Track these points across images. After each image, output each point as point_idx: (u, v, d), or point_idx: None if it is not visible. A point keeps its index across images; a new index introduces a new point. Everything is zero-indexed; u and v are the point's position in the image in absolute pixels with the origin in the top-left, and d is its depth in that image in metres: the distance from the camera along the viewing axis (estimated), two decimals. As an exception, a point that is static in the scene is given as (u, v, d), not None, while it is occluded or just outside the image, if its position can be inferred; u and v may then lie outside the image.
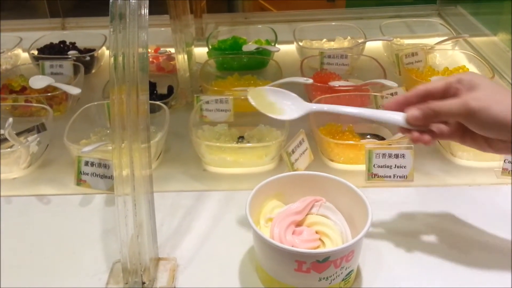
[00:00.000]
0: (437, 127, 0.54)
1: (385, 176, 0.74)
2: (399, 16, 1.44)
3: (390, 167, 0.74)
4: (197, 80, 1.04)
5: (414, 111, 0.54)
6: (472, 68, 1.08)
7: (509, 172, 0.75)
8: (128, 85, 0.52)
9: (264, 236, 0.52)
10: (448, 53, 1.16)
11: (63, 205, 0.74)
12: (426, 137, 0.54)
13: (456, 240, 0.64)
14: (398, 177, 0.74)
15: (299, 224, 0.58)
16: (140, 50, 0.53)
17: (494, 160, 0.77)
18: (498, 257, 0.61)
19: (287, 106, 0.61)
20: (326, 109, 0.60)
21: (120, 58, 0.52)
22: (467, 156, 0.80)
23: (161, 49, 1.21)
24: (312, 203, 0.59)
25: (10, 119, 0.75)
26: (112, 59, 0.52)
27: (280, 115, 0.61)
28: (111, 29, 0.52)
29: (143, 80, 0.53)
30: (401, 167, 0.73)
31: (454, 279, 0.59)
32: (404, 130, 0.56)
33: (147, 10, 0.54)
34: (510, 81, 1.07)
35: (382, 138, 0.87)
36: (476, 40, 1.25)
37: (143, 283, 0.57)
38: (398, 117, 0.55)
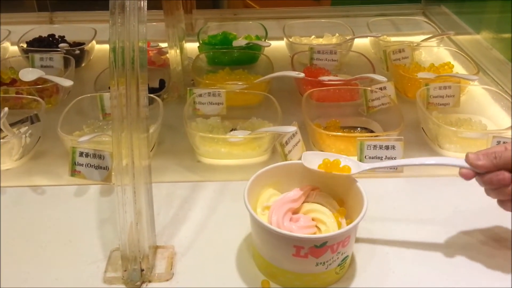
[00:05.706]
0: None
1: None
2: (384, 14, 1.46)
3: (381, 158, 0.76)
4: (189, 74, 1.05)
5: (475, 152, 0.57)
6: (457, 64, 1.11)
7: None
8: (128, 76, 0.53)
9: (264, 222, 0.54)
10: (433, 50, 1.19)
11: (57, 195, 0.74)
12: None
13: (447, 229, 0.66)
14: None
15: (295, 211, 0.60)
16: (140, 44, 0.54)
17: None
18: (490, 247, 0.64)
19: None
20: (384, 164, 0.63)
21: (120, 51, 0.53)
22: (454, 148, 0.83)
23: (152, 43, 1.21)
24: (308, 191, 0.61)
25: (6, 109, 0.74)
26: (111, 51, 0.53)
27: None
28: (111, 22, 0.53)
29: (143, 73, 0.54)
30: (391, 158, 0.75)
31: (443, 265, 0.61)
32: (467, 174, 0.57)
33: (146, 4, 0.55)
34: (495, 78, 1.11)
35: (371, 131, 0.89)
36: (460, 38, 1.29)
37: (142, 270, 0.58)
38: (462, 161, 0.58)
